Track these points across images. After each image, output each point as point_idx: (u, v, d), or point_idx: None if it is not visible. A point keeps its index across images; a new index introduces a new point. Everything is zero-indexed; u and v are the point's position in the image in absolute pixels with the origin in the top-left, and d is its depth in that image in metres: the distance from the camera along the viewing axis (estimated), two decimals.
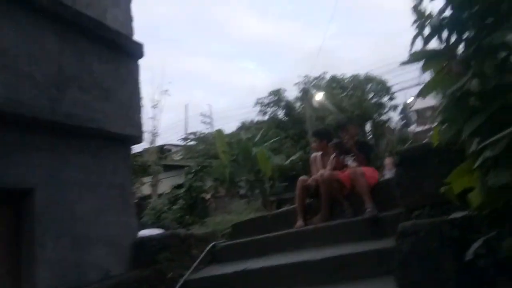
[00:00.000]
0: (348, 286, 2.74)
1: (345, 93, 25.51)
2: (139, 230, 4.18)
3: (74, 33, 3.41)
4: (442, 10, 1.81)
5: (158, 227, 10.05)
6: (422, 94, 1.84)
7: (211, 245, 4.05)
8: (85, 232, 3.22)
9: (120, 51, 3.88)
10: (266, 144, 17.24)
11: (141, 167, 15.85)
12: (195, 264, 3.71)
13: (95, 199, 3.38)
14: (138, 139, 4.06)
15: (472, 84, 1.64)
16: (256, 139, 16.75)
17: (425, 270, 1.84)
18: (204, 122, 32.09)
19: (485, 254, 1.86)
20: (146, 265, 3.46)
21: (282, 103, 25.74)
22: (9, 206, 2.98)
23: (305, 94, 22.85)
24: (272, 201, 13.59)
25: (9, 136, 2.87)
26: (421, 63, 1.81)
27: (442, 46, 1.76)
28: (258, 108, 26.41)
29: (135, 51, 4.09)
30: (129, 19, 4.24)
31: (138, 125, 3.96)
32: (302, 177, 4.46)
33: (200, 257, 3.82)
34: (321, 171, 4.31)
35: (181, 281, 3.47)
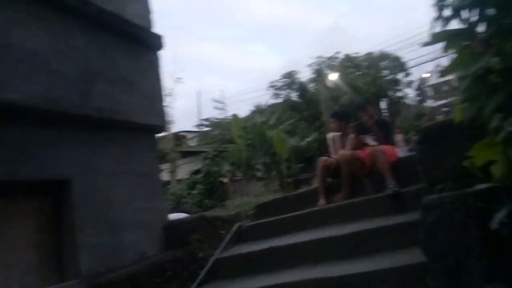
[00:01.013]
0: (373, 259, 2.84)
1: (359, 72, 25.28)
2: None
3: (97, 29, 3.54)
4: None
5: (179, 211, 10.30)
6: (444, 74, 1.90)
7: (237, 225, 4.20)
8: (119, 218, 3.40)
9: (141, 44, 4.00)
10: (281, 126, 17.34)
11: (160, 155, 16.12)
12: (223, 244, 3.88)
13: (126, 187, 3.56)
14: (161, 128, 4.22)
15: (493, 62, 1.70)
16: (271, 122, 16.86)
17: (451, 240, 1.93)
18: (217, 108, 32.29)
19: (509, 223, 1.95)
20: (178, 246, 3.65)
21: (295, 85, 25.67)
22: (49, 197, 3.17)
23: (319, 75, 22.71)
24: (289, 183, 13.74)
25: (45, 132, 3.04)
26: (442, 44, 1.87)
27: (463, 26, 1.81)
28: (271, 91, 26.41)
29: (155, 43, 4.20)
30: (147, 11, 4.34)
31: (161, 114, 4.10)
32: (322, 157, 4.55)
33: (228, 237, 3.99)
34: (342, 151, 4.39)
35: (212, 259, 3.65)
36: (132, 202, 3.54)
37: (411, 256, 2.57)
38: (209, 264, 3.61)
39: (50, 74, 3.00)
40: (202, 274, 3.52)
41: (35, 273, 2.91)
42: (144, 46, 4.02)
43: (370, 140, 4.35)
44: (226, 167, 15.91)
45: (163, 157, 17.19)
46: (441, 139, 2.57)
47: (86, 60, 3.33)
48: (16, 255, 2.84)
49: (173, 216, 6.10)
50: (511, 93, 1.57)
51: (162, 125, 4.08)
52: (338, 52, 26.25)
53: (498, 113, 1.64)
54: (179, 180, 17.16)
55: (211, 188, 14.74)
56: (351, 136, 4.57)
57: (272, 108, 24.62)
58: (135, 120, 3.66)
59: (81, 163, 3.21)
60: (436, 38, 1.77)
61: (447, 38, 1.73)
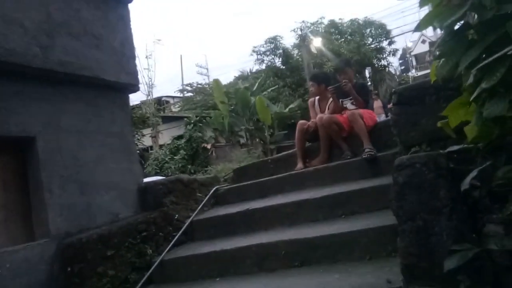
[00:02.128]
0: (347, 221, 2.87)
1: (343, 39, 24.97)
2: (144, 179, 4.28)
3: None
4: None
5: (161, 176, 10.25)
6: (420, 27, 1.81)
7: (214, 188, 4.18)
8: (90, 178, 3.31)
9: None
10: (264, 93, 17.20)
11: (140, 119, 15.88)
12: (200, 206, 3.85)
13: (96, 147, 3.44)
14: (134, 87, 4.02)
15: (470, 17, 1.63)
16: (254, 88, 16.66)
17: (421, 200, 1.92)
18: (201, 73, 31.76)
19: (479, 185, 1.94)
20: (153, 208, 3.60)
21: (279, 51, 25.24)
22: (14, 154, 3.05)
23: (303, 41, 22.33)
24: (272, 149, 13.76)
25: (5, 86, 2.87)
26: None
27: None
28: (254, 56, 25.93)
29: None
30: None
31: (133, 72, 3.92)
32: (301, 121, 4.50)
33: (205, 200, 3.96)
34: (320, 115, 4.34)
35: (188, 221, 3.64)
36: (103, 162, 3.43)
37: (384, 219, 2.60)
38: (185, 226, 3.59)
39: (5, 23, 2.78)
40: (178, 235, 3.51)
41: (3, 233, 2.83)
42: None
43: (349, 104, 4.30)
44: (209, 133, 15.82)
45: (144, 122, 16.97)
46: (417, 101, 2.53)
47: (46, 10, 3.11)
48: None
49: (151, 179, 6.05)
50: (486, 48, 1.51)
51: (134, 83, 3.88)
52: (322, 18, 25.76)
53: (473, 70, 1.58)
54: (162, 146, 17.04)
55: (194, 154, 14.67)
56: (330, 99, 4.51)
57: (255, 74, 24.30)
58: (103, 76, 3.48)
59: (46, 120, 3.06)
60: None
61: None
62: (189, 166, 13.66)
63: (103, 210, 3.33)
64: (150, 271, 3.17)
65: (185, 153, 14.44)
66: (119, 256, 3.11)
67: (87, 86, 3.42)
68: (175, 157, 14.39)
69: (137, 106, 17.30)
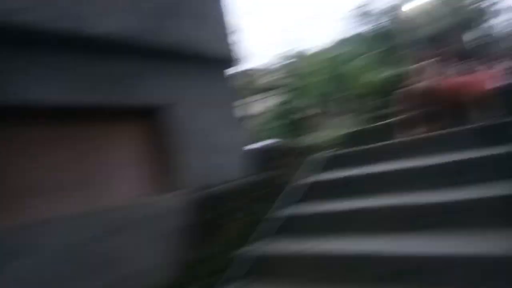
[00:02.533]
0: (470, 189, 2.79)
1: (440, 1, 22.72)
2: (250, 145, 4.62)
3: None
4: None
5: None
6: None
7: (327, 152, 4.26)
8: (208, 143, 3.78)
9: None
10: (358, 60, 16.58)
11: (238, 89, 16.52)
12: (310, 170, 4.00)
13: (210, 115, 3.88)
14: (233, 61, 4.39)
15: None
16: (348, 56, 16.19)
17: None
18: (293, 43, 31.37)
19: None
20: (259, 171, 3.96)
21: (372, 17, 23.90)
22: (146, 121, 3.58)
23: (396, 5, 20.84)
24: (369, 117, 13.41)
25: (146, 63, 3.36)
26: None
27: None
28: (347, 24, 24.91)
29: None
30: None
31: (231, 48, 4.27)
32: (408, 87, 4.41)
33: (315, 164, 4.08)
34: (426, 81, 4.22)
35: (304, 182, 3.75)
36: (217, 129, 3.86)
37: (499, 189, 2.55)
38: (302, 187, 3.72)
39: (134, 9, 3.24)
40: (301, 195, 3.64)
41: (149, 184, 3.39)
42: None
43: (456, 69, 4.12)
44: (305, 102, 15.87)
45: (241, 92, 17.61)
46: None
47: None
48: (130, 170, 3.33)
49: (257, 145, 6.43)
50: None
51: (233, 58, 4.22)
52: None
53: None
54: (259, 114, 17.54)
55: (291, 122, 14.90)
56: (435, 65, 4.34)
57: (347, 41, 23.42)
58: (210, 52, 3.88)
59: (173, 92, 3.54)
60: None
61: None
62: (289, 133, 13.95)
63: (219, 171, 3.78)
64: (276, 224, 3.37)
65: (283, 120, 14.77)
66: (237, 211, 3.47)
67: (199, 62, 3.84)
68: (274, 124, 14.80)
69: (233, 78, 17.96)
